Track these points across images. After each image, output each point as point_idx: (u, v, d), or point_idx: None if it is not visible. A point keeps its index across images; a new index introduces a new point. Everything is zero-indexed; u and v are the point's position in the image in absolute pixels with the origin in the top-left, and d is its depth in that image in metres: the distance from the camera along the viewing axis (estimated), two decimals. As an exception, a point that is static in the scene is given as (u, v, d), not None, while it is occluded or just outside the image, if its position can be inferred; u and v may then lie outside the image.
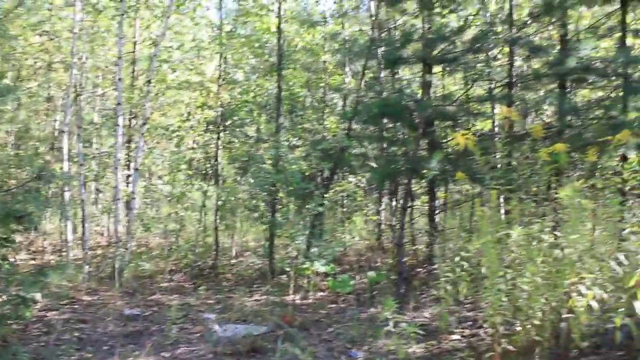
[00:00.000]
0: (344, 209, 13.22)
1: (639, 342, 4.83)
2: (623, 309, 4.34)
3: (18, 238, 12.75)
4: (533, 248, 4.80)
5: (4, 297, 6.26)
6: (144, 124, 11.71)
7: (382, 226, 12.60)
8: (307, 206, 10.70)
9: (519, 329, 4.78)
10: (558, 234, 4.84)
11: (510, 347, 4.73)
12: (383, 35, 10.93)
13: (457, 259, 5.34)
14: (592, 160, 5.54)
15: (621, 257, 4.53)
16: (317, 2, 13.70)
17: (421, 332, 5.69)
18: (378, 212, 12.76)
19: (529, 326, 4.72)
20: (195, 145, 13.78)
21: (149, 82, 11.60)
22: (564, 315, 4.56)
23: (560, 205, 5.11)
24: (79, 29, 11.82)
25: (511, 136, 8.37)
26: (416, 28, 9.56)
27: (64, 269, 6.96)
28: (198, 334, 7.18)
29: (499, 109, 10.19)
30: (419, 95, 9.66)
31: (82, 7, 11.92)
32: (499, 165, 8.39)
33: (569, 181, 5.23)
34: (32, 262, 12.14)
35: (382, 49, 9.97)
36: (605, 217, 5.05)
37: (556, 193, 5.21)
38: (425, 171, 8.54)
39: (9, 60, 14.79)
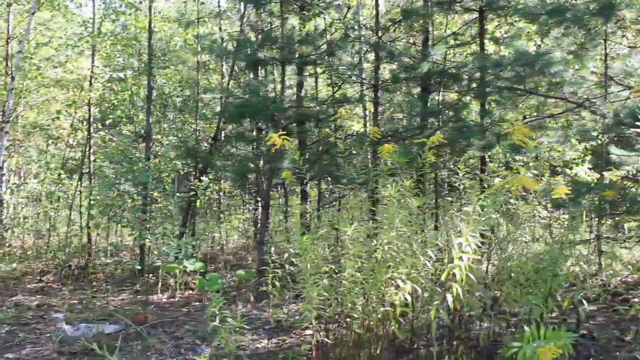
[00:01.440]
0: (216, 208, 13.31)
1: (454, 333, 5.20)
2: (437, 302, 4.63)
3: None
4: (352, 244, 5.06)
5: None
6: (7, 121, 11.41)
7: (254, 226, 12.77)
8: (179, 204, 10.76)
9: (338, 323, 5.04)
10: (377, 231, 5.11)
11: (327, 340, 4.99)
12: (252, 36, 11.08)
13: (286, 255, 5.56)
14: (430, 160, 5.86)
15: (431, 253, 4.84)
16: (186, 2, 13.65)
17: (247, 327, 5.88)
18: (252, 211, 12.92)
19: (350, 320, 4.99)
20: (70, 144, 13.53)
21: (12, 78, 11.33)
22: (382, 309, 4.82)
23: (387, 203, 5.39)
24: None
25: (359, 137, 8.69)
26: (276, 30, 9.75)
27: None
28: (48, 335, 7.13)
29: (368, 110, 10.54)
30: (285, 96, 9.84)
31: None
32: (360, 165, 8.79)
33: (401, 181, 5.48)
34: None
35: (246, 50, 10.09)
36: (419, 215, 5.36)
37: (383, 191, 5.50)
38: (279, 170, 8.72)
39: None
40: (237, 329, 5.25)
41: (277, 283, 5.75)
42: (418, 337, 5.41)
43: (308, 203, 10.58)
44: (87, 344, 6.46)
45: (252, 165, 9.18)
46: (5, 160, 11.85)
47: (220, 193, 12.92)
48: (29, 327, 7.36)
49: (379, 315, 4.89)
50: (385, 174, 5.83)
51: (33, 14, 11.66)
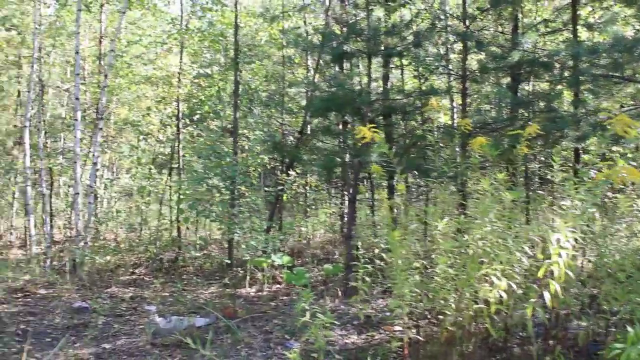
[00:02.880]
0: (302, 203, 13.32)
1: (550, 332, 5.00)
2: (534, 300, 4.46)
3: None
4: (443, 239, 4.92)
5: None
6: (101, 118, 11.75)
7: (340, 220, 12.71)
8: (267, 199, 10.83)
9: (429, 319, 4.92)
10: (469, 226, 4.96)
11: (419, 337, 4.88)
12: (337, 29, 11.01)
13: (376, 251, 5.47)
14: (524, 152, 5.67)
15: (526, 248, 4.66)
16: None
17: (336, 322, 5.81)
18: (341, 205, 12.86)
19: (442, 317, 4.86)
20: (159, 139, 13.83)
21: (105, 76, 11.65)
22: (476, 306, 4.68)
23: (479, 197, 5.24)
24: (40, 24, 11.87)
25: (448, 129, 8.50)
26: (361, 22, 9.63)
27: (8, 265, 7.05)
28: (142, 326, 7.30)
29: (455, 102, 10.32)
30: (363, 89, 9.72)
31: (46, 2, 11.97)
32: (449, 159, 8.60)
33: (493, 174, 5.32)
34: (-1, 256, 12.25)
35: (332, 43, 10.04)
36: (513, 209, 5.17)
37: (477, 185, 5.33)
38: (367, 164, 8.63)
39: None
40: (327, 324, 5.20)
41: (366, 278, 5.66)
42: (512, 335, 5.24)
43: (395, 197, 10.48)
44: (179, 337, 6.57)
45: (339, 159, 9.11)
46: (99, 156, 12.21)
47: (306, 187, 12.92)
48: (123, 318, 7.55)
49: (472, 313, 4.76)
50: (475, 167, 5.66)
51: (124, 12, 11.95)
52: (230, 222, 10.74)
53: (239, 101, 11.52)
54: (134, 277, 10.76)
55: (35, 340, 6.81)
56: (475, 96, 10.92)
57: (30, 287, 9.62)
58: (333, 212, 12.99)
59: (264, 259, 9.68)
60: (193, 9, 12.74)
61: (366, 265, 5.55)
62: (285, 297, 8.89)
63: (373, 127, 4.91)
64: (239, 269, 10.35)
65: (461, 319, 4.81)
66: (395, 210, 10.73)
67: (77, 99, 11.25)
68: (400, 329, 6.72)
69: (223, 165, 11.05)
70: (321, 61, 11.48)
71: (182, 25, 12.77)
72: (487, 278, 4.61)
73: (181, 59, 12.85)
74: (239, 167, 10.72)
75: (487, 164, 5.56)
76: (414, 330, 4.89)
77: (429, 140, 7.82)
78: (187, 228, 12.83)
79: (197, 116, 13.02)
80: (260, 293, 9.22)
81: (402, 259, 4.77)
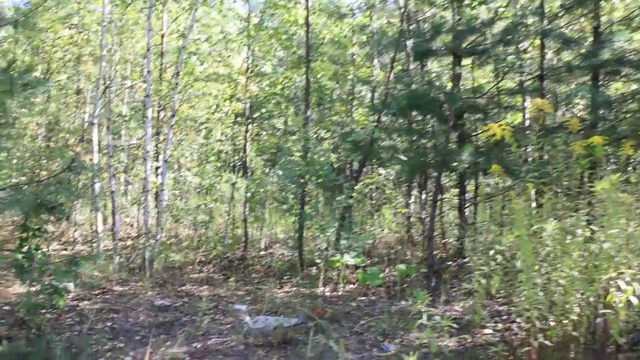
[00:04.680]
0: (373, 202, 13.19)
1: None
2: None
3: (50, 229, 12.97)
4: (569, 242, 4.74)
5: (38, 287, 6.38)
6: (173, 115, 11.80)
7: (412, 219, 12.54)
8: (336, 198, 10.71)
9: (553, 323, 4.74)
10: (594, 228, 4.78)
11: (547, 342, 4.69)
12: (412, 27, 10.87)
13: (491, 252, 5.29)
14: (627, 153, 5.49)
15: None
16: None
17: (455, 325, 5.66)
18: (407, 205, 12.71)
19: (565, 321, 4.68)
20: (223, 138, 13.82)
21: (177, 74, 11.67)
22: (601, 311, 4.51)
23: (595, 199, 5.06)
24: (108, 21, 11.93)
25: (544, 129, 8.29)
26: (445, 20, 9.46)
27: (94, 258, 7.07)
28: (229, 325, 7.24)
29: (530, 102, 10.10)
30: (448, 88, 9.57)
31: (110, 0, 12.04)
32: (530, 158, 8.40)
33: (604, 175, 5.13)
34: (64, 252, 12.31)
35: (411, 40, 9.90)
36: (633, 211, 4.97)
37: (591, 187, 5.15)
38: (455, 164, 8.49)
39: (39, 53, 14.98)
40: (445, 327, 5.06)
41: (482, 280, 5.50)
42: (636, 342, 5.04)
43: (465, 196, 10.33)
44: (271, 337, 6.50)
45: (424, 159, 8.97)
46: (170, 154, 12.25)
47: (375, 186, 12.79)
48: (207, 317, 7.48)
49: (596, 317, 4.59)
50: (583, 167, 5.45)
51: (196, 9, 11.97)
52: (299, 220, 10.66)
53: (308, 99, 11.43)
54: (203, 275, 10.72)
55: (124, 338, 6.80)
56: (550, 96, 10.66)
57: (105, 283, 9.64)
58: (404, 211, 12.80)
59: (337, 259, 9.58)
60: (264, 6, 12.67)
61: (482, 267, 5.35)
62: (363, 298, 8.75)
63: (501, 124, 4.73)
64: (311, 268, 10.24)
65: (586, 324, 4.64)
66: (466, 210, 10.67)
67: (147, 96, 11.26)
68: (492, 331, 6.60)
69: (291, 163, 10.98)
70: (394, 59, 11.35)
71: (250, 22, 12.73)
72: (613, 282, 4.43)
73: (248, 56, 12.81)
74: (308, 166, 10.61)
75: (596, 165, 5.34)
76: (540, 335, 4.69)
77: (513, 139, 7.64)
78: (259, 227, 12.75)
79: (264, 114, 12.96)
80: (335, 293, 9.10)
81: (527, 261, 4.60)
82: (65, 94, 16.64)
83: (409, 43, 10.19)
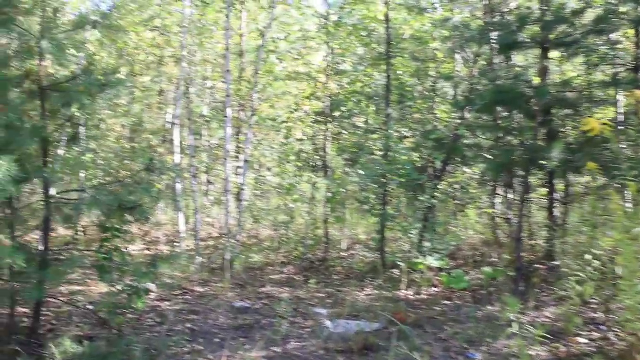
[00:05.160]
0: (457, 202, 12.79)
1: None
2: None
3: (134, 229, 13.17)
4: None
5: (119, 288, 6.38)
6: (252, 115, 11.77)
7: (498, 220, 12.08)
8: (419, 198, 10.42)
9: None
10: None
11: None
12: (496, 19, 10.46)
13: (587, 256, 4.92)
14: None
15: None
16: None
17: (547, 335, 5.30)
18: (493, 205, 12.25)
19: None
20: (304, 137, 13.71)
21: (256, 73, 11.63)
22: None
23: None
24: (188, 22, 12.02)
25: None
26: (532, 10, 9.02)
27: (174, 259, 7.03)
28: (309, 329, 7.08)
29: (624, 95, 9.53)
30: (535, 82, 9.12)
31: (191, 1, 12.12)
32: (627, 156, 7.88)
33: None
34: (147, 252, 12.46)
35: (496, 33, 9.50)
36: None
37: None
38: (544, 162, 8.05)
39: (123, 56, 15.28)
40: (537, 336, 4.74)
41: (577, 287, 5.13)
42: None
43: (554, 196, 9.85)
44: (352, 343, 6.29)
45: (509, 156, 8.56)
46: (250, 154, 12.23)
47: (459, 186, 12.39)
48: (287, 320, 7.33)
49: None
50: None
51: (274, 7, 11.91)
52: (381, 220, 10.43)
53: (389, 97, 11.17)
54: (284, 276, 10.62)
55: (203, 340, 6.74)
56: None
57: (186, 284, 9.66)
58: (490, 212, 12.35)
59: (420, 261, 9.28)
60: (343, 3, 12.51)
61: (576, 272, 4.98)
62: (447, 302, 8.42)
63: (601, 120, 4.37)
64: (393, 270, 9.96)
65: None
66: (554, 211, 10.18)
67: (228, 96, 11.26)
68: (586, 341, 6.18)
69: (371, 162, 10.77)
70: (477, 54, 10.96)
71: (329, 19, 12.57)
72: None
73: (328, 54, 12.66)
74: (389, 165, 10.35)
75: None
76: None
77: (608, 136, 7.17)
78: (341, 227, 12.57)
79: (344, 112, 12.76)
80: (418, 296, 8.81)
81: (629, 267, 4.22)
82: (149, 96, 16.96)
83: (494, 36, 9.77)
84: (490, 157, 9.46)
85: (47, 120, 6.05)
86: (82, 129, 12.77)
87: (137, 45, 14.94)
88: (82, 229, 12.17)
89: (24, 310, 6.60)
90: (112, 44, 14.91)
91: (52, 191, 6.25)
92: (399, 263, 9.51)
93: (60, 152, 10.23)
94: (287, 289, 9.52)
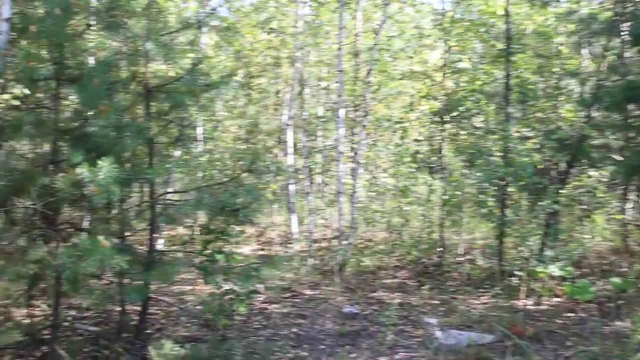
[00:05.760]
0: (583, 207, 12.01)
1: None
2: None
3: (249, 230, 13.27)
4: None
5: (224, 289, 6.34)
6: (366, 115, 11.57)
7: (629, 226, 11.23)
8: (540, 203, 9.83)
9: None
10: None
11: None
12: (628, 9, 9.70)
13: None
14: None
15: None
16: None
17: None
18: (623, 211, 11.40)
19: None
20: (419, 138, 13.35)
21: (369, 72, 11.43)
22: None
23: None
24: (302, 23, 11.98)
25: None
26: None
27: (279, 263, 6.93)
28: (418, 339, 6.77)
29: None
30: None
31: (305, 2, 12.09)
32: None
33: None
34: (260, 252, 12.51)
35: (628, 24, 8.80)
36: None
37: None
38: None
39: (239, 58, 15.48)
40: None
41: None
42: None
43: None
44: (462, 355, 5.94)
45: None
46: (361, 154, 12.04)
47: (585, 189, 11.61)
48: (396, 328, 7.04)
49: None
50: None
51: (388, 4, 11.68)
52: (500, 225, 9.92)
53: (509, 95, 10.64)
54: (396, 281, 10.31)
55: (308, 346, 6.58)
56: None
57: (296, 286, 9.57)
58: (619, 217, 11.51)
59: (541, 269, 8.72)
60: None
61: None
62: (570, 314, 7.84)
63: None
64: (511, 278, 9.41)
65: None
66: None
67: (340, 96, 11.12)
68: None
69: (489, 164, 10.28)
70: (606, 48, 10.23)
71: (445, 16, 12.17)
72: None
73: (444, 51, 12.26)
74: (509, 168, 9.83)
75: None
76: None
77: None
78: (456, 231, 12.12)
79: (460, 112, 12.28)
80: (538, 307, 8.26)
81: None
82: (265, 97, 17.11)
83: (625, 27, 9.06)
84: (621, 158, 8.78)
85: (152, 121, 6.07)
86: (199, 130, 13.08)
87: (253, 47, 15.07)
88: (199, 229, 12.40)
89: (135, 308, 6.67)
90: (228, 46, 15.14)
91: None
92: (517, 271, 8.98)
93: (177, 153, 10.45)
94: (399, 294, 9.23)
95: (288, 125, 12.77)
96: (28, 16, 6.04)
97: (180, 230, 12.73)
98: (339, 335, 7.03)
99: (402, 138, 13.04)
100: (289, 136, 12.32)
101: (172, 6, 12.24)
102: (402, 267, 11.19)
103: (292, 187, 12.46)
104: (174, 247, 10.55)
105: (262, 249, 13.07)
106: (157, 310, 7.68)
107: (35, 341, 6.14)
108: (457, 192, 11.36)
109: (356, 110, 13.72)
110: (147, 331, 6.55)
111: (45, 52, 5.66)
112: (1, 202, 5.58)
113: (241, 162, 14.02)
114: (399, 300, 8.63)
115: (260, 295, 8.70)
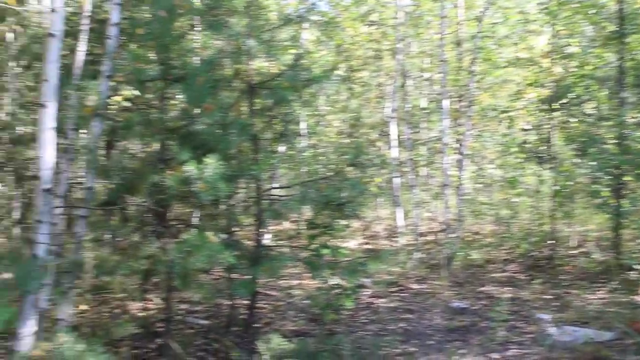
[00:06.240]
0: None
1: None
2: None
3: (354, 224, 13.25)
4: None
5: (330, 284, 6.33)
6: (470, 106, 11.31)
7: None
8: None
9: None
10: None
11: None
12: None
13: None
14: None
15: None
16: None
17: None
18: None
19: None
20: (527, 127, 12.91)
21: (472, 61, 11.15)
22: None
23: None
24: (403, 14, 11.83)
25: None
26: None
27: (385, 257, 6.86)
28: (531, 335, 6.53)
29: None
30: None
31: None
32: None
33: None
34: (366, 246, 12.47)
35: None
36: None
37: None
38: None
39: (341, 52, 15.48)
40: None
41: None
42: None
43: None
44: (578, 353, 5.67)
45: None
46: (467, 146, 11.78)
47: None
48: (507, 323, 6.82)
49: None
50: None
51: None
52: (615, 216, 9.45)
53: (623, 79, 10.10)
54: (506, 274, 10.01)
55: (416, 342, 6.48)
56: None
57: (402, 280, 9.47)
58: None
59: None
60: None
61: None
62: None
63: None
64: (629, 272, 8.92)
65: None
66: None
67: (443, 86, 10.92)
68: None
69: (603, 153, 9.80)
70: None
71: (552, -1, 11.70)
72: None
73: (552, 36, 11.78)
74: (625, 156, 9.33)
75: None
76: None
77: None
78: (567, 223, 11.65)
79: (570, 99, 11.77)
80: (658, 302, 7.80)
81: None
82: (368, 90, 17.04)
83: None
84: None
85: (256, 118, 6.11)
86: (303, 125, 13.18)
87: (354, 41, 15.03)
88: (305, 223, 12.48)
89: (244, 302, 6.75)
90: (329, 41, 15.17)
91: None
92: (636, 264, 8.52)
93: (282, 148, 10.55)
94: (509, 288, 8.96)
95: (391, 117, 12.65)
96: (135, 20, 6.22)
97: (286, 225, 12.86)
98: (448, 331, 6.89)
99: (508, 128, 12.68)
100: (393, 129, 12.20)
101: (272, 3, 12.33)
102: (512, 260, 10.86)
103: (396, 180, 12.34)
104: (281, 242, 10.63)
105: (367, 243, 13.02)
106: (265, 304, 7.78)
107: (149, 334, 6.35)
108: (569, 182, 10.92)
109: (460, 101, 13.43)
110: (256, 325, 6.62)
111: (152, 54, 5.81)
112: (115, 200, 5.79)
113: (345, 156, 14.11)
114: (509, 295, 8.37)
115: (366, 290, 8.66)
